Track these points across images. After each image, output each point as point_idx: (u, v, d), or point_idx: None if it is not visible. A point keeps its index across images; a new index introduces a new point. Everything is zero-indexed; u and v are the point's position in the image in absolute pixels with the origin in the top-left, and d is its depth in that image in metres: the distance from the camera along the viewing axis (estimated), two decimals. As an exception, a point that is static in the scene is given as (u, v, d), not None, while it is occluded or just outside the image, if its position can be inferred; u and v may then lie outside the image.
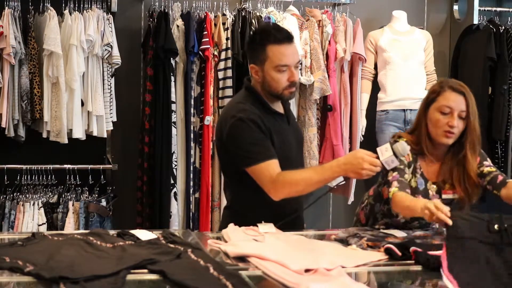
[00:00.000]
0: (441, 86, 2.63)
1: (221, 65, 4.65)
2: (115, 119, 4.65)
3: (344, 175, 2.47)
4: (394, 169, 2.57)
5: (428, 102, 2.65)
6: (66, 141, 4.42)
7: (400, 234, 2.55)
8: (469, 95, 2.60)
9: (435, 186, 2.66)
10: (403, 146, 2.43)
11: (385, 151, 2.41)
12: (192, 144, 4.70)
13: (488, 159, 2.71)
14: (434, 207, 2.22)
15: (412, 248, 2.21)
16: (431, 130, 2.63)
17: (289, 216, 2.64)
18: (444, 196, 2.63)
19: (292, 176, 2.53)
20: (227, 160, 2.74)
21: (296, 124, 2.93)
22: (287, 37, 2.60)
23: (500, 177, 2.64)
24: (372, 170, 2.40)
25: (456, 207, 2.62)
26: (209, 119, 4.66)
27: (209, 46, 4.61)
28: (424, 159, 2.66)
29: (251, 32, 4.55)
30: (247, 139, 2.57)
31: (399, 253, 2.24)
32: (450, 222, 2.14)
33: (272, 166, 2.54)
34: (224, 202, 4.71)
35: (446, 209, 2.20)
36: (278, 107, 2.71)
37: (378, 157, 2.41)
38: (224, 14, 4.74)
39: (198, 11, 4.79)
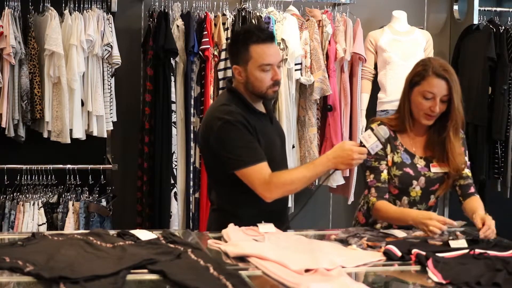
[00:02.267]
0: (424, 69, 2.69)
1: (221, 65, 4.65)
2: (115, 119, 4.65)
3: (335, 168, 2.57)
4: (370, 170, 2.72)
5: (412, 84, 2.74)
6: (68, 141, 4.42)
7: (400, 234, 2.55)
8: (452, 78, 2.65)
9: (423, 161, 2.75)
10: (384, 130, 2.58)
11: (368, 137, 2.53)
12: (192, 144, 4.70)
13: (466, 154, 2.84)
14: (433, 225, 2.42)
15: (414, 251, 2.22)
16: (413, 110, 2.73)
17: (277, 216, 2.68)
18: (433, 170, 2.75)
19: (285, 176, 2.57)
20: (213, 163, 2.73)
21: (278, 124, 2.96)
22: (269, 37, 2.64)
23: (472, 189, 2.83)
24: (360, 158, 2.52)
25: (443, 183, 2.76)
26: (209, 119, 4.66)
27: (209, 46, 4.61)
28: (405, 135, 2.76)
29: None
30: (236, 142, 2.58)
31: (399, 254, 2.24)
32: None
33: (263, 168, 2.56)
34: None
35: (446, 221, 2.46)
36: (261, 107, 2.75)
37: (362, 145, 2.53)
38: (224, 14, 4.74)
39: (198, 11, 4.78)
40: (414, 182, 2.74)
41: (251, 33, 2.63)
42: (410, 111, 2.73)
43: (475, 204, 2.75)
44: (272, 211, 2.66)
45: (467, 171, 2.83)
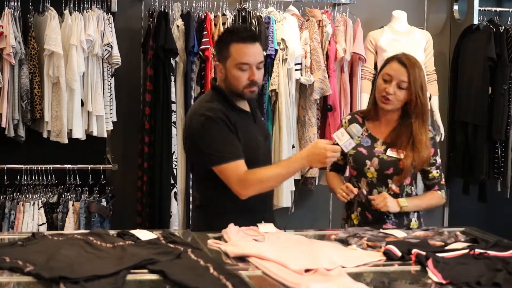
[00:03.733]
0: (392, 57, 2.88)
1: (221, 65, 4.64)
2: (115, 119, 4.65)
3: (310, 166, 2.63)
4: None
5: (380, 70, 2.92)
6: (66, 141, 4.42)
7: (400, 234, 2.55)
8: (414, 68, 2.81)
9: (383, 145, 2.89)
10: (357, 128, 2.62)
11: (341, 136, 2.57)
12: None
13: (438, 150, 2.94)
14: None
15: (414, 251, 2.22)
16: (376, 95, 2.91)
17: (260, 213, 2.71)
18: (388, 153, 2.87)
19: (261, 173, 2.60)
20: (195, 158, 2.79)
21: (263, 123, 3.00)
22: (251, 37, 2.67)
23: (435, 187, 2.96)
24: (334, 157, 2.56)
25: (398, 169, 2.83)
26: (209, 119, 4.66)
27: (209, 46, 4.60)
28: (376, 122, 2.93)
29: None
30: (215, 138, 2.62)
31: (399, 254, 2.24)
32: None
33: (239, 165, 2.60)
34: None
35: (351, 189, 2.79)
36: (244, 105, 2.77)
37: (336, 143, 2.56)
38: (224, 14, 4.74)
39: (198, 11, 4.78)
40: (368, 162, 2.87)
41: (234, 32, 2.69)
42: (375, 98, 2.91)
43: (423, 196, 2.98)
44: (255, 209, 2.70)
45: (434, 173, 2.93)
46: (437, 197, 2.97)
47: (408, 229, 2.66)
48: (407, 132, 2.84)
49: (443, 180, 2.98)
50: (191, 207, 4.65)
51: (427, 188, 3.00)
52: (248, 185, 2.59)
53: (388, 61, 2.88)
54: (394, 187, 2.88)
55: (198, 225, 2.80)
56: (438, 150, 2.95)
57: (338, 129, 2.70)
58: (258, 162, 2.65)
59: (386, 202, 2.78)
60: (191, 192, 4.70)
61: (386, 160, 2.86)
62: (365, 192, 2.92)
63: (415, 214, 2.96)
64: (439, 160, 2.95)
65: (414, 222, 2.94)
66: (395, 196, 2.87)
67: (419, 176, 3.04)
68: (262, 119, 3.04)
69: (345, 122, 2.98)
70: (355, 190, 2.86)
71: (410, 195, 2.93)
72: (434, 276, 2.03)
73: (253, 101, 2.87)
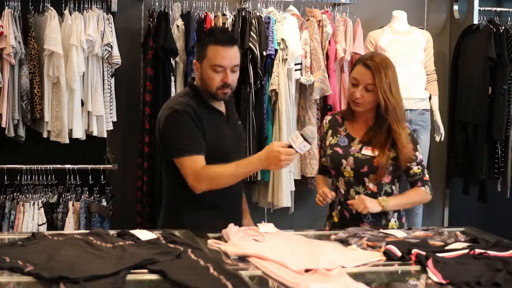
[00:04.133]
0: (358, 60, 2.88)
1: (221, 65, 4.64)
2: (115, 119, 4.65)
3: (265, 168, 2.65)
4: (320, 151, 2.99)
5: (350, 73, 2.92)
6: (67, 141, 4.42)
7: (400, 234, 2.56)
8: (379, 70, 2.77)
9: (359, 144, 2.88)
10: (311, 130, 2.59)
11: (295, 138, 2.56)
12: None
13: (418, 146, 2.90)
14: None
15: (414, 251, 2.22)
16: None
17: (225, 213, 2.73)
18: (363, 151, 2.85)
19: (215, 170, 2.63)
20: (162, 152, 2.84)
21: (238, 127, 2.99)
22: (228, 40, 2.70)
23: (418, 184, 2.88)
24: (289, 159, 2.55)
25: (372, 167, 2.81)
26: (209, 119, 4.66)
27: (209, 46, 4.60)
28: (354, 123, 2.93)
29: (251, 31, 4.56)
30: (179, 131, 2.67)
31: (399, 254, 2.24)
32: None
33: (198, 160, 2.64)
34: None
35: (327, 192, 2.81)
36: (219, 106, 2.80)
37: (291, 146, 2.55)
38: (224, 14, 4.74)
39: (198, 11, 4.79)
40: (344, 162, 2.86)
41: (213, 33, 2.72)
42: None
43: (405, 193, 2.90)
44: (218, 208, 2.73)
45: (415, 169, 2.88)
46: (421, 193, 2.89)
47: (408, 229, 2.66)
48: (383, 131, 2.82)
49: (427, 176, 2.90)
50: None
51: (411, 186, 2.93)
52: (202, 180, 2.62)
53: (355, 64, 2.88)
54: (371, 186, 2.85)
55: (163, 222, 2.83)
56: (418, 146, 2.91)
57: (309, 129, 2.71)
58: (224, 160, 2.65)
59: (364, 203, 2.74)
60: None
61: (360, 159, 2.84)
62: (343, 192, 2.90)
63: (395, 215, 2.90)
64: (419, 156, 2.89)
65: (393, 223, 2.89)
66: (373, 195, 2.83)
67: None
68: (240, 123, 3.04)
69: (326, 123, 3.01)
70: (330, 196, 2.84)
71: (391, 194, 2.87)
72: (434, 276, 2.03)
73: (231, 104, 2.91)
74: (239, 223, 2.80)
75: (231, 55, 2.69)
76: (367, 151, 2.83)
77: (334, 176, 2.95)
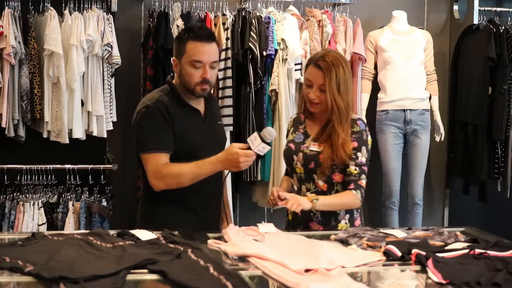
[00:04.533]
0: (310, 59, 2.84)
1: (221, 65, 4.65)
2: (115, 119, 4.65)
3: (225, 169, 2.66)
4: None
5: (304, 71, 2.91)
6: (67, 141, 4.42)
7: (400, 234, 2.56)
8: (330, 70, 2.74)
9: (311, 141, 2.87)
10: (269, 132, 2.58)
11: (254, 140, 2.56)
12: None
13: (363, 148, 2.82)
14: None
15: (414, 251, 2.22)
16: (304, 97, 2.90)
17: (204, 212, 2.74)
18: (311, 147, 2.85)
19: (174, 168, 2.64)
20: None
21: (218, 127, 2.96)
22: (207, 36, 2.71)
23: (351, 185, 2.79)
24: (247, 161, 2.57)
25: (318, 163, 2.80)
26: (209, 119, 4.66)
27: (209, 46, 4.60)
28: (312, 121, 2.92)
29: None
30: (146, 127, 2.70)
31: (399, 254, 2.24)
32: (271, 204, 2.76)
33: (161, 157, 2.66)
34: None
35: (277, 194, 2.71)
36: (197, 104, 2.79)
37: (250, 147, 2.55)
38: (224, 14, 4.74)
39: (198, 11, 4.79)
40: (295, 158, 2.87)
41: (191, 29, 2.73)
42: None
43: (336, 194, 2.83)
44: (199, 210, 2.72)
45: (352, 169, 2.79)
46: (350, 197, 2.77)
47: (408, 229, 2.66)
48: (331, 126, 2.81)
49: (363, 181, 2.79)
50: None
51: (344, 185, 2.82)
52: (161, 177, 2.64)
53: (307, 65, 2.84)
54: (321, 183, 2.82)
55: (139, 217, 2.85)
56: (364, 148, 2.81)
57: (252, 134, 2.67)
58: (193, 159, 2.64)
59: (297, 200, 2.66)
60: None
61: (308, 155, 2.83)
62: (296, 189, 2.90)
63: (346, 216, 2.86)
64: (361, 158, 2.79)
65: (343, 224, 2.84)
66: (323, 193, 2.80)
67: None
68: (220, 123, 3.02)
69: (290, 122, 3.02)
70: (276, 194, 2.75)
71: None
72: (434, 276, 2.03)
73: (212, 103, 2.89)
74: (213, 224, 2.80)
75: (210, 51, 2.70)
76: (314, 147, 2.83)
77: (290, 173, 2.97)
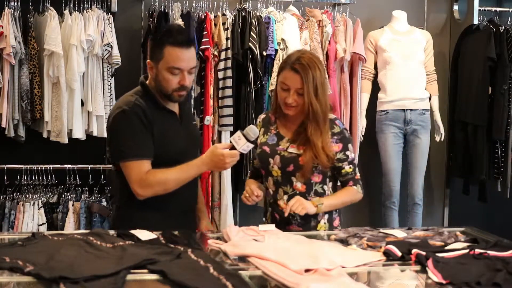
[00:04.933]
0: (285, 62, 2.78)
1: (221, 65, 4.65)
2: (115, 119, 4.64)
3: (210, 170, 2.68)
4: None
5: (277, 76, 2.83)
6: (66, 141, 4.42)
7: (400, 234, 2.56)
8: (307, 72, 2.70)
9: (287, 143, 2.83)
10: (253, 130, 2.57)
11: (238, 139, 2.55)
12: (192, 144, 4.70)
13: (349, 145, 2.83)
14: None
15: (414, 251, 2.22)
16: (278, 100, 2.83)
17: (181, 215, 2.70)
18: (289, 150, 2.81)
19: (160, 175, 2.58)
20: (109, 153, 2.78)
21: (194, 127, 2.95)
22: (186, 42, 2.62)
23: (350, 183, 2.85)
24: (232, 161, 2.56)
25: (298, 165, 2.77)
26: (209, 119, 4.66)
27: (209, 46, 4.61)
28: (284, 122, 2.87)
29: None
30: (125, 133, 2.60)
31: (399, 254, 2.24)
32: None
33: (143, 165, 2.59)
34: (224, 202, 4.73)
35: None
36: (172, 106, 2.73)
37: (234, 147, 2.55)
38: (224, 14, 4.74)
39: (198, 11, 4.79)
40: (271, 161, 2.83)
41: (170, 34, 2.62)
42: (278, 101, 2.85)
43: (337, 193, 2.87)
44: (176, 214, 2.67)
45: (347, 168, 2.83)
46: (352, 192, 2.85)
47: (408, 229, 2.66)
48: (305, 132, 2.78)
49: (358, 175, 2.86)
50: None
51: (342, 185, 2.89)
52: (146, 186, 2.57)
53: (282, 68, 2.78)
54: (299, 185, 2.80)
55: (113, 221, 2.82)
56: (350, 145, 2.84)
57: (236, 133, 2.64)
58: (174, 163, 2.60)
59: (302, 203, 2.67)
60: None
61: (287, 157, 2.79)
62: (271, 192, 2.86)
63: (325, 216, 2.85)
64: (351, 155, 2.83)
65: (322, 224, 2.85)
66: (302, 195, 2.78)
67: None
68: (194, 123, 2.99)
69: (259, 122, 2.96)
70: (256, 193, 2.77)
71: (323, 194, 2.83)
72: (434, 276, 2.03)
73: (185, 104, 2.83)
74: (191, 226, 2.75)
75: (189, 57, 2.62)
76: (293, 149, 2.80)
77: (264, 176, 2.92)
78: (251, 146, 2.57)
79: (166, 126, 2.67)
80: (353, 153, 2.86)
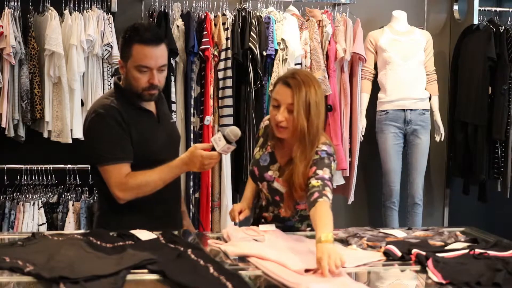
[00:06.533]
0: (279, 78, 2.57)
1: (221, 65, 4.65)
2: (115, 119, 4.64)
3: (189, 171, 2.63)
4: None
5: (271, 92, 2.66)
6: (69, 140, 4.42)
7: (400, 234, 2.56)
8: (299, 89, 2.46)
9: (277, 171, 2.63)
10: (234, 131, 2.50)
11: (218, 140, 2.50)
12: (192, 144, 4.70)
13: (325, 168, 2.47)
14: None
15: (414, 251, 2.22)
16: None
17: (168, 219, 2.67)
18: (274, 185, 2.63)
19: (141, 178, 2.54)
20: (86, 157, 2.73)
21: (172, 125, 2.89)
22: (154, 39, 2.56)
23: (315, 195, 2.37)
24: (212, 163, 2.52)
25: (282, 199, 2.61)
26: (209, 119, 4.66)
27: (209, 46, 4.61)
28: (278, 143, 2.65)
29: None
30: (103, 137, 2.57)
31: (399, 254, 2.24)
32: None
33: (122, 168, 2.55)
34: (224, 203, 4.73)
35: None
36: (148, 105, 2.68)
37: (214, 148, 2.50)
38: (224, 14, 4.74)
39: (198, 11, 4.79)
40: (259, 184, 2.71)
41: (137, 32, 2.57)
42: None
43: (316, 216, 2.31)
44: (159, 218, 2.63)
45: (314, 182, 2.42)
46: (326, 206, 2.34)
47: (408, 229, 2.66)
48: (292, 162, 2.53)
49: (327, 192, 2.38)
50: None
51: (308, 199, 2.40)
52: (127, 189, 2.53)
53: (276, 83, 2.56)
54: (285, 210, 2.64)
55: (96, 225, 2.77)
56: (326, 169, 2.46)
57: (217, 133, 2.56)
58: (154, 163, 2.56)
59: (339, 257, 2.04)
60: (191, 192, 4.71)
61: (274, 188, 2.64)
62: (263, 203, 2.74)
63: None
64: (323, 175, 2.43)
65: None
66: (287, 218, 2.65)
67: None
68: (173, 120, 2.94)
69: (262, 127, 2.78)
70: (237, 220, 2.68)
71: (307, 217, 2.56)
72: (434, 276, 2.03)
73: (162, 102, 2.78)
74: (174, 226, 2.67)
75: (157, 55, 2.56)
76: (278, 185, 2.61)
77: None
78: (232, 148, 2.52)
79: (144, 126, 2.63)
80: (327, 174, 2.45)
